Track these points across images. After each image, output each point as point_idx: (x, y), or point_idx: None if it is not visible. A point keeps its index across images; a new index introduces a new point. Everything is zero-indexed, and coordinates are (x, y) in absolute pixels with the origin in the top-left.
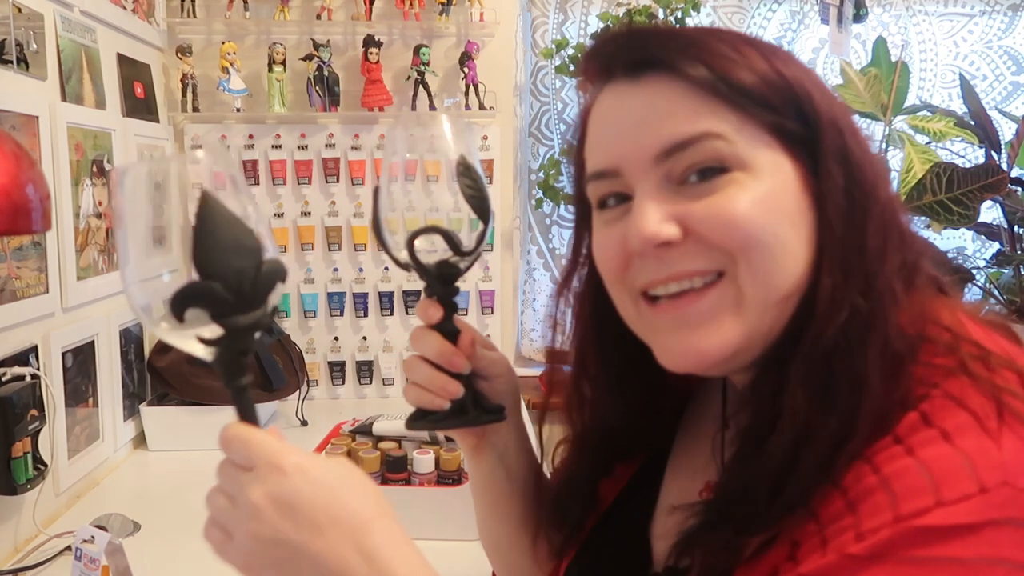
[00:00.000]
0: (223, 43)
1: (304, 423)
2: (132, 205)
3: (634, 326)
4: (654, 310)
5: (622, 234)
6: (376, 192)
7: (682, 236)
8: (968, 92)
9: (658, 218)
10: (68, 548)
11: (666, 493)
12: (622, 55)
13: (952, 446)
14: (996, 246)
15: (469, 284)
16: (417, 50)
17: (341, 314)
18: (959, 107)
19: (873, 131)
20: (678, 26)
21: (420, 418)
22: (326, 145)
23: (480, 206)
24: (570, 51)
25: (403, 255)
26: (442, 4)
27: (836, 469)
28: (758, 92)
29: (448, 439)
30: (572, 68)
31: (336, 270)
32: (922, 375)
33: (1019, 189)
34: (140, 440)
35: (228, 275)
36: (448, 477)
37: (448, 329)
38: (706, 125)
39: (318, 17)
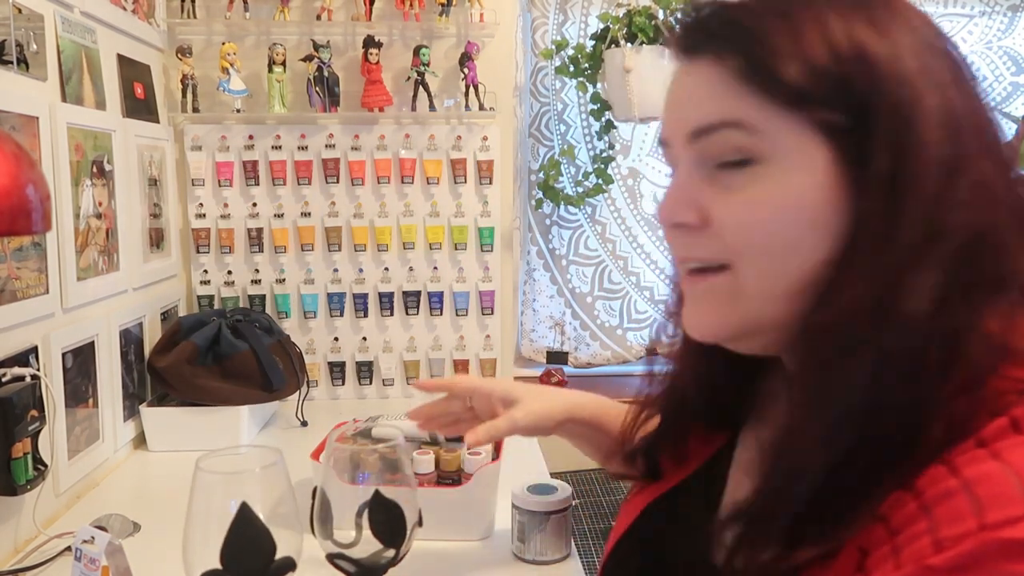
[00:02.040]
0: (223, 44)
1: (304, 423)
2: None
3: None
4: (684, 280)
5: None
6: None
7: (699, 223)
8: None
9: (678, 200)
10: (68, 549)
11: (731, 485)
12: (685, 34)
13: None
14: None
15: (469, 284)
16: (417, 51)
17: (341, 314)
18: None
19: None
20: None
21: None
22: (326, 146)
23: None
24: (570, 52)
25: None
26: (442, 5)
27: (905, 473)
28: (798, 85)
29: (448, 439)
30: (572, 69)
31: (336, 270)
32: (1005, 387)
33: None
34: (140, 440)
35: (240, 571)
36: (448, 477)
37: None
38: (729, 113)
39: (318, 18)
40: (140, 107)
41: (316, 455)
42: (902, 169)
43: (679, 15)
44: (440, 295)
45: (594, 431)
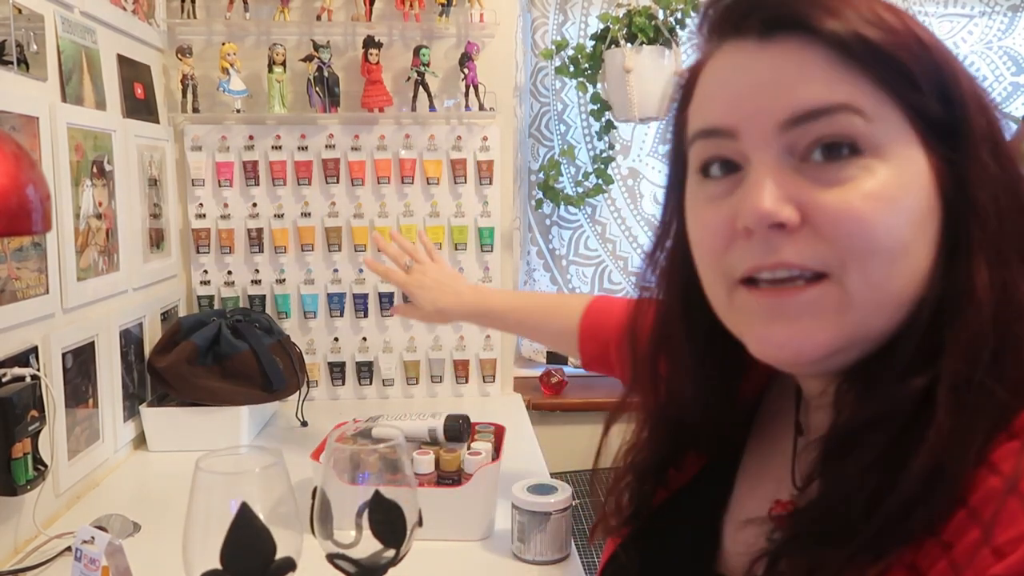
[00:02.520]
0: (223, 44)
1: (304, 424)
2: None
3: (724, 315)
4: (753, 294)
5: (731, 212)
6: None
7: (799, 222)
8: None
9: (777, 195)
10: (68, 549)
11: (739, 494)
12: (756, 12)
13: None
14: None
15: None
16: (417, 51)
17: (341, 315)
18: None
19: None
20: None
21: None
22: (326, 146)
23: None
24: (570, 52)
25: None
26: (442, 5)
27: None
28: (906, 66)
29: (448, 439)
30: (572, 69)
31: (336, 271)
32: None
33: None
34: (140, 441)
35: (240, 571)
36: (448, 477)
37: None
38: (845, 96)
39: (318, 18)
40: (140, 107)
41: (316, 455)
42: (1002, 164)
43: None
44: None
45: (508, 325)
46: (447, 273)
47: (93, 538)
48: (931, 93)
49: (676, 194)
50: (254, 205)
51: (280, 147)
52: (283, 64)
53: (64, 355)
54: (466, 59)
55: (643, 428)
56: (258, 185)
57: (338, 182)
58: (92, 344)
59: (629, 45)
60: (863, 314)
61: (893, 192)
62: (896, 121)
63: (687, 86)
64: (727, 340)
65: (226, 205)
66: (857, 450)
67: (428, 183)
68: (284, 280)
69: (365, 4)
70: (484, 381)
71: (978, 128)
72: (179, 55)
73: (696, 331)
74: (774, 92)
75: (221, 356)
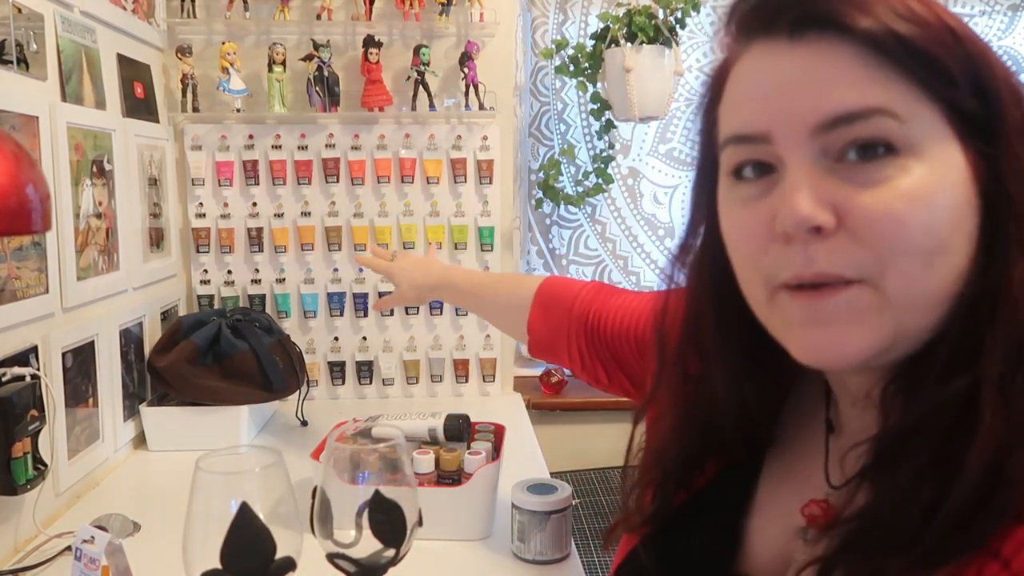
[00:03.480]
0: (223, 43)
1: (304, 423)
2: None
3: (764, 316)
4: (794, 297)
5: (767, 214)
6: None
7: (835, 226)
8: None
9: (814, 199)
10: (68, 548)
11: (765, 493)
12: (787, 10)
13: None
14: None
15: None
16: (417, 50)
17: (341, 314)
18: None
19: None
20: None
21: None
22: (326, 145)
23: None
24: (570, 51)
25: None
26: (442, 4)
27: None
28: (941, 61)
29: (448, 439)
30: (572, 68)
31: (336, 270)
32: None
33: None
34: (140, 440)
35: (240, 570)
36: (448, 477)
37: None
38: (879, 99)
39: (318, 17)
40: (140, 107)
41: (316, 455)
42: None
43: None
44: None
45: (467, 299)
46: (425, 257)
47: (93, 538)
48: (966, 87)
49: (706, 193)
50: (254, 204)
51: (280, 146)
52: (283, 63)
53: (64, 355)
54: (466, 58)
55: (671, 427)
56: (258, 184)
57: (338, 181)
58: (92, 344)
59: (629, 44)
60: (902, 314)
61: (930, 190)
62: (931, 118)
63: (716, 86)
64: (759, 340)
65: (226, 204)
66: (910, 454)
67: (428, 182)
68: (284, 280)
69: (365, 3)
70: (484, 380)
71: (1012, 121)
72: (179, 54)
73: (729, 330)
74: (807, 94)
75: (221, 356)
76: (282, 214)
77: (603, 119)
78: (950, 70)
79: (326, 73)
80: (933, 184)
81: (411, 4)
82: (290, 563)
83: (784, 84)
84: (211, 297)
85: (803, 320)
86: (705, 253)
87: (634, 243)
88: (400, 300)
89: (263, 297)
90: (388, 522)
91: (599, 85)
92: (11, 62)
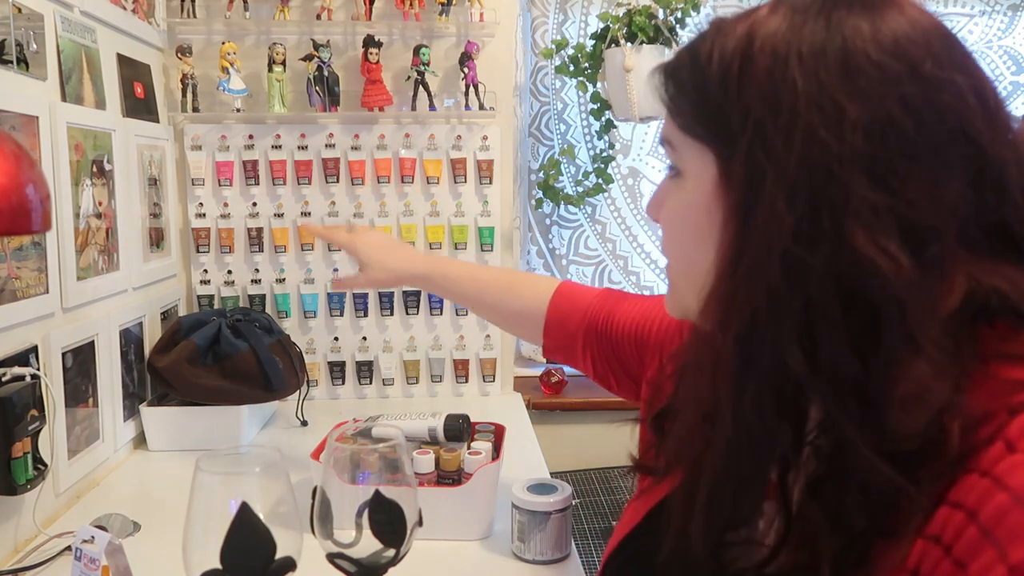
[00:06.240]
0: (223, 43)
1: (304, 423)
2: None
3: None
4: None
5: None
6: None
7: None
8: None
9: (653, 199)
10: (68, 548)
11: None
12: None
13: None
14: None
15: None
16: (417, 50)
17: (341, 314)
18: None
19: None
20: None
21: None
22: (326, 145)
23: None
24: (570, 51)
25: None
26: (442, 4)
27: (934, 481)
28: (689, 121)
29: (448, 439)
30: (572, 68)
31: (336, 270)
32: (1008, 386)
33: None
34: (140, 440)
35: (240, 570)
36: (448, 477)
37: None
38: (664, 132)
39: (318, 17)
40: (140, 107)
41: (316, 455)
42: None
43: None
44: None
45: (466, 294)
46: (393, 238)
47: (93, 537)
48: (717, 137)
49: None
50: (254, 204)
51: (280, 146)
52: (283, 63)
53: (64, 354)
54: (466, 58)
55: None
56: (258, 184)
57: (338, 181)
58: (92, 343)
59: (629, 44)
60: (685, 296)
61: (678, 208)
62: (697, 150)
63: None
64: None
65: (226, 204)
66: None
67: (428, 182)
68: (284, 279)
69: (365, 3)
70: (484, 380)
71: (746, 148)
72: (179, 54)
73: None
74: None
75: (221, 355)
76: (282, 214)
77: (603, 119)
78: (692, 124)
79: (326, 73)
80: (681, 202)
81: (411, 4)
82: (290, 563)
83: None
84: (211, 297)
85: None
86: None
87: (634, 243)
88: (371, 284)
89: (263, 297)
90: (388, 522)
91: (599, 85)
92: (11, 62)
